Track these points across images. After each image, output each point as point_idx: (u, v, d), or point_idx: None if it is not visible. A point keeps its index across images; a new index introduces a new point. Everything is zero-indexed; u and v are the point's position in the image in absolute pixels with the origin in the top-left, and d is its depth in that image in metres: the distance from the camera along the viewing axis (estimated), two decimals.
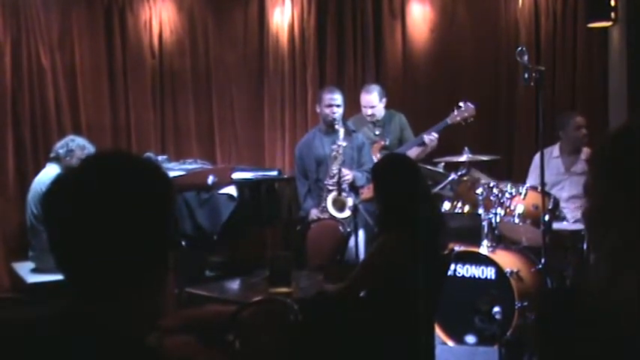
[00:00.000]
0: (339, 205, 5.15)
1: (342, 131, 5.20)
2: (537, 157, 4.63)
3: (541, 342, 1.43)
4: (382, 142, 5.74)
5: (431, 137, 5.56)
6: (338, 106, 5.32)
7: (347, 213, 5.08)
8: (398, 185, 3.36)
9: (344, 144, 5.19)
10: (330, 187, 5.19)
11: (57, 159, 5.11)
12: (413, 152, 5.59)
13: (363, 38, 6.77)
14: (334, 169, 5.17)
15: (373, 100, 5.70)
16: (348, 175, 5.17)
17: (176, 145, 6.79)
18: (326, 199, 5.18)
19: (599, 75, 6.03)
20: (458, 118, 5.55)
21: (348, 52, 6.79)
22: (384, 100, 5.77)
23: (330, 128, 5.35)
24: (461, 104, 5.57)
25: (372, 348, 3.19)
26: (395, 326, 3.15)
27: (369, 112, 5.72)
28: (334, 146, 5.19)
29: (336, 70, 6.81)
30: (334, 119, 5.28)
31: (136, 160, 1.38)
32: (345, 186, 5.14)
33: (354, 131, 5.46)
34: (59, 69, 6.17)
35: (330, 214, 5.13)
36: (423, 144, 5.63)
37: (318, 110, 5.52)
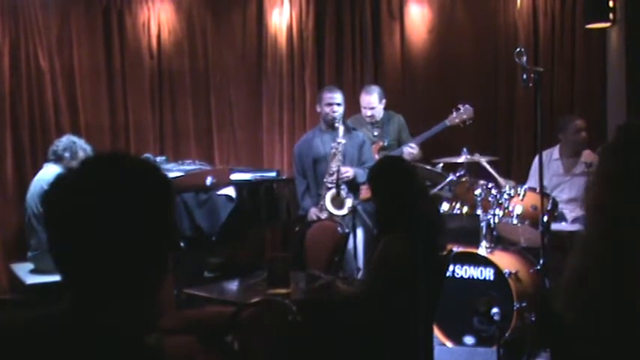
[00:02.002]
0: (338, 203, 5.14)
1: (341, 129, 5.19)
2: (537, 159, 4.64)
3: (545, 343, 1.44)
4: (381, 143, 5.74)
5: (409, 148, 5.58)
6: (338, 104, 5.32)
7: (345, 210, 5.07)
8: (394, 187, 3.37)
9: (343, 141, 5.18)
10: (329, 185, 5.18)
11: (58, 160, 5.10)
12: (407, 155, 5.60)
13: (361, 39, 6.77)
14: (333, 167, 5.16)
15: (373, 102, 5.70)
16: (348, 172, 5.15)
17: (175, 146, 6.79)
18: (324, 197, 5.17)
19: (598, 76, 6.03)
20: (457, 120, 5.55)
21: (347, 52, 6.79)
22: (383, 101, 5.76)
23: (330, 127, 5.35)
24: (460, 106, 5.57)
25: (371, 348, 3.19)
26: (394, 327, 3.15)
27: (369, 113, 5.72)
28: (334, 144, 5.19)
29: (334, 70, 6.81)
30: (334, 118, 5.28)
31: (135, 161, 1.38)
32: (343, 185, 5.11)
33: (354, 129, 5.46)
34: (58, 70, 6.17)
35: (329, 212, 5.11)
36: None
37: (318, 110, 5.52)
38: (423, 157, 5.69)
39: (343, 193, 5.08)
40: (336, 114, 5.29)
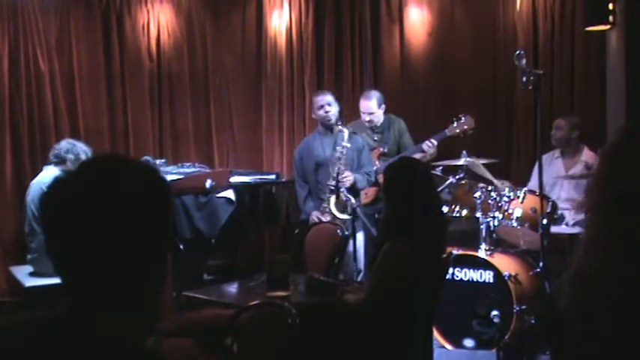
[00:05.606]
0: (342, 207, 5.11)
1: (346, 132, 5.17)
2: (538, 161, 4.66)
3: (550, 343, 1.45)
4: (381, 149, 5.73)
5: (429, 145, 5.55)
6: (329, 104, 5.29)
7: (348, 214, 5.03)
8: (414, 195, 3.29)
9: (348, 145, 5.16)
10: (333, 188, 5.15)
11: (59, 162, 5.08)
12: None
13: (361, 42, 6.77)
14: (337, 170, 5.13)
15: (372, 107, 5.67)
16: (348, 176, 5.12)
17: (174, 149, 6.80)
18: (329, 200, 5.14)
19: (597, 78, 6.03)
20: (457, 130, 5.52)
21: (346, 55, 6.79)
22: (382, 106, 5.73)
23: (328, 129, 5.34)
24: (461, 116, 5.54)
25: (371, 351, 3.19)
26: (394, 330, 3.14)
27: (367, 118, 5.70)
28: (338, 147, 5.16)
29: (333, 73, 6.81)
30: (330, 119, 5.27)
31: (133, 163, 1.37)
32: (343, 188, 5.08)
33: (354, 133, 5.44)
34: (57, 73, 6.18)
35: (333, 216, 5.09)
36: (422, 151, 5.61)
37: (314, 116, 5.52)
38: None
39: (343, 196, 5.05)
40: (329, 114, 5.28)
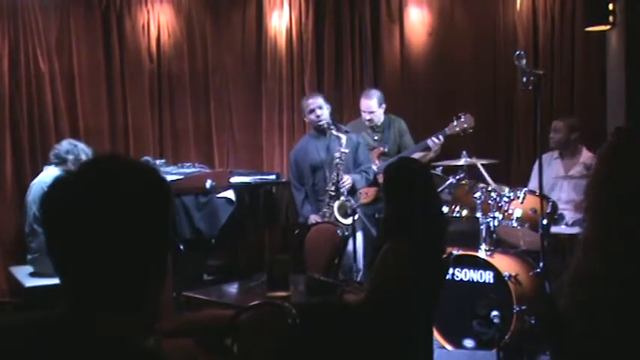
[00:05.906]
0: (344, 211, 5.10)
1: (344, 138, 5.15)
2: (538, 161, 4.66)
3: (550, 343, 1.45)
4: (381, 149, 5.73)
5: (435, 141, 5.54)
6: (320, 108, 5.28)
7: (351, 219, 5.01)
8: (414, 195, 3.29)
9: (346, 151, 5.14)
10: (333, 193, 5.14)
11: (60, 163, 5.08)
12: (414, 157, 5.57)
13: (361, 42, 6.77)
14: (334, 176, 5.12)
15: (372, 106, 5.67)
16: (348, 180, 5.11)
17: (174, 149, 6.79)
18: (331, 206, 5.12)
19: (597, 79, 6.02)
20: (457, 129, 5.52)
21: (346, 55, 6.79)
22: (383, 105, 5.73)
23: (321, 132, 5.32)
24: (460, 115, 5.54)
25: (371, 352, 3.19)
26: (394, 330, 3.14)
27: (368, 117, 5.70)
28: (337, 153, 5.14)
29: (333, 73, 6.81)
30: (322, 123, 5.25)
31: (133, 163, 1.37)
32: (343, 190, 5.08)
33: (347, 131, 5.40)
34: (57, 73, 6.17)
35: (337, 220, 5.07)
36: (426, 148, 5.61)
37: (305, 120, 5.51)
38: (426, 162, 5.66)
39: (343, 197, 5.05)
40: (321, 117, 5.26)
